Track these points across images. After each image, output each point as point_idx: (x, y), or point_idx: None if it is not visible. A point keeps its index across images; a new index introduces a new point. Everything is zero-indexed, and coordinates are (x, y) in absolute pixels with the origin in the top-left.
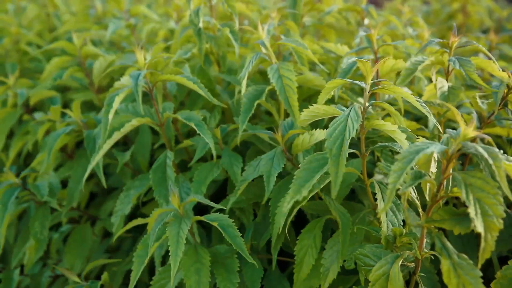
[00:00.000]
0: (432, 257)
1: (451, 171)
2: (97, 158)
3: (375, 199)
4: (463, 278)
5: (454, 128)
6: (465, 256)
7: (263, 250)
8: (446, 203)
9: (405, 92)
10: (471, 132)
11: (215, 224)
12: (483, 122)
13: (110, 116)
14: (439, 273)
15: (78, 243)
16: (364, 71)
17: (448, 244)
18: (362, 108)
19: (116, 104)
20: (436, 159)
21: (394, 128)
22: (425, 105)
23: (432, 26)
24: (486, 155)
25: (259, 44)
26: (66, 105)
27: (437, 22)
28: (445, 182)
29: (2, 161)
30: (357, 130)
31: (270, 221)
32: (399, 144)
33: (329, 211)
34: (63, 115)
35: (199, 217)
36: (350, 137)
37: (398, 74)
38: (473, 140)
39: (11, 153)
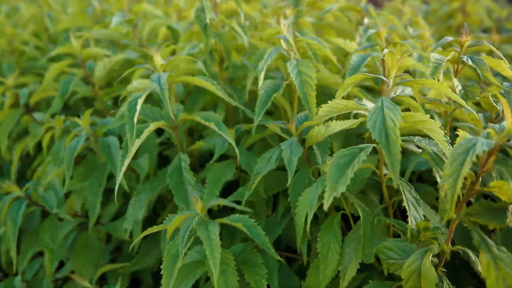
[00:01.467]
0: (460, 252)
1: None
2: (123, 169)
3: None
4: (503, 271)
5: (457, 128)
6: (505, 249)
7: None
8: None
9: (441, 84)
10: None
11: (239, 225)
12: (489, 122)
13: (135, 119)
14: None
15: (85, 250)
16: (390, 64)
17: (487, 237)
18: None
19: (139, 107)
20: None
21: (433, 126)
22: (461, 98)
23: (431, 25)
24: None
25: (281, 39)
26: (66, 104)
27: (436, 22)
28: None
29: (4, 161)
30: (401, 116)
31: (292, 216)
32: (423, 139)
33: (341, 204)
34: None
35: (222, 220)
36: (397, 126)
37: (405, 71)
38: None
39: (14, 157)
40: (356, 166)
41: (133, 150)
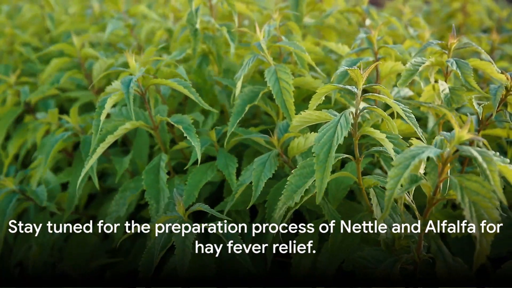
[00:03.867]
0: (430, 260)
1: (447, 174)
2: (91, 162)
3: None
4: None
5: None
6: (460, 260)
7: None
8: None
9: (393, 102)
10: (466, 134)
11: (220, 234)
12: (481, 124)
13: (102, 117)
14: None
15: (79, 246)
16: (355, 77)
17: (444, 247)
18: (354, 113)
19: (108, 106)
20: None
21: (383, 136)
22: (412, 116)
23: (432, 25)
24: (480, 158)
25: (256, 46)
26: (64, 106)
27: (437, 22)
28: (441, 184)
29: (1, 160)
30: (345, 137)
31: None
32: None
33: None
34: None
35: (205, 225)
36: (338, 144)
37: (399, 75)
38: (471, 142)
39: (10, 152)
40: None
41: (104, 146)
